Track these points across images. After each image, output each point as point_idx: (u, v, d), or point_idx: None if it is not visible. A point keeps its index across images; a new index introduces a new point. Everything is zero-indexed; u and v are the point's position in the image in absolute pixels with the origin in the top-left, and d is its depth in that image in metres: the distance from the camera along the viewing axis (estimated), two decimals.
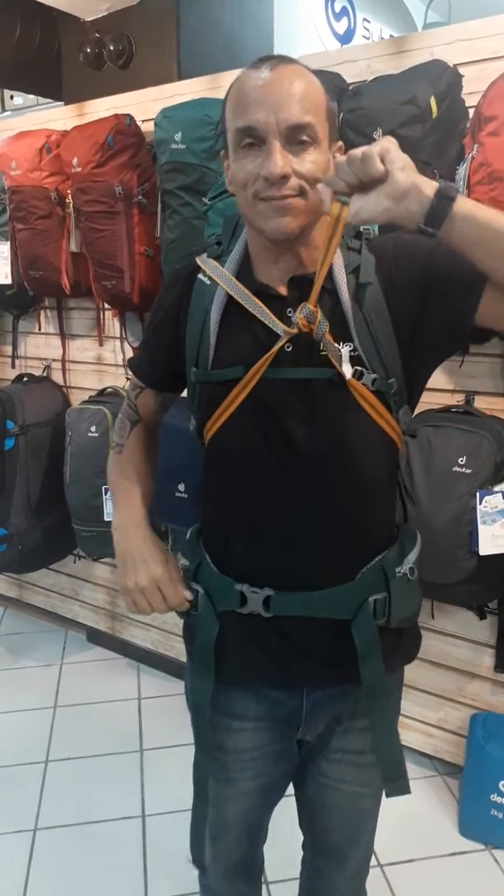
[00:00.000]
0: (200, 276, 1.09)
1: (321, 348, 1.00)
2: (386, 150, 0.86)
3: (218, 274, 1.05)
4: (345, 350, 0.97)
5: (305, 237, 1.00)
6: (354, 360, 0.99)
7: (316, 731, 1.15)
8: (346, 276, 1.01)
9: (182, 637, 1.21)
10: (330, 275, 1.01)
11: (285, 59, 0.97)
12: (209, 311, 1.06)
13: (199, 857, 1.25)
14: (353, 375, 0.98)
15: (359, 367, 0.99)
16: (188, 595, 1.12)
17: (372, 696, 1.06)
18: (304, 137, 0.93)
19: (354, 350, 0.98)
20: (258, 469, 1.04)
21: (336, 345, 0.98)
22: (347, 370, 0.95)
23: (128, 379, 1.29)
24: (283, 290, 1.03)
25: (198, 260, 1.09)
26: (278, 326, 1.00)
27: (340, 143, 1.03)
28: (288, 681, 1.10)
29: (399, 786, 1.10)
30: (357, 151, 0.86)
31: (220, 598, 1.09)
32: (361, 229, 1.08)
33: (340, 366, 0.97)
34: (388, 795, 1.12)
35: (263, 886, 1.83)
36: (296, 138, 0.93)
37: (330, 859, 1.26)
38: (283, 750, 1.16)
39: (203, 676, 1.11)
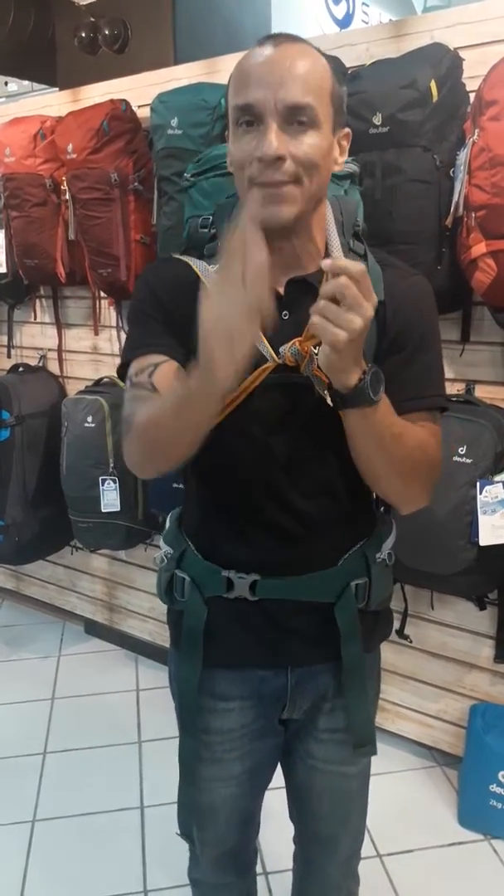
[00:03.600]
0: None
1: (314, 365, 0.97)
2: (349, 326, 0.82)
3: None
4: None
5: (301, 227, 0.97)
6: None
7: (302, 708, 1.16)
8: None
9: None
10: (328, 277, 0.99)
11: (292, 38, 0.94)
12: None
13: (187, 832, 1.24)
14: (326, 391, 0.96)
15: None
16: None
17: (352, 672, 1.11)
18: (303, 119, 0.90)
19: None
20: (243, 463, 1.05)
21: (324, 378, 0.94)
22: (335, 396, 0.92)
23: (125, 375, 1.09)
24: (279, 288, 1.00)
25: (193, 266, 1.03)
26: (267, 352, 0.97)
27: (348, 130, 0.99)
28: (273, 659, 1.12)
29: (368, 749, 1.17)
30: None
31: (206, 585, 1.10)
32: (358, 228, 1.06)
33: (326, 396, 0.94)
34: (355, 754, 1.17)
35: (262, 877, 1.86)
36: (294, 119, 0.90)
37: (321, 847, 1.27)
38: (267, 728, 1.18)
39: (190, 661, 1.12)
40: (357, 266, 0.82)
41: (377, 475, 1.03)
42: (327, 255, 1.03)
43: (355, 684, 1.12)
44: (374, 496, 1.17)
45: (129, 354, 1.07)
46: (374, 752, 1.18)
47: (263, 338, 0.97)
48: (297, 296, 1.00)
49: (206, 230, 1.08)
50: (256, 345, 0.94)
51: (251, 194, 0.93)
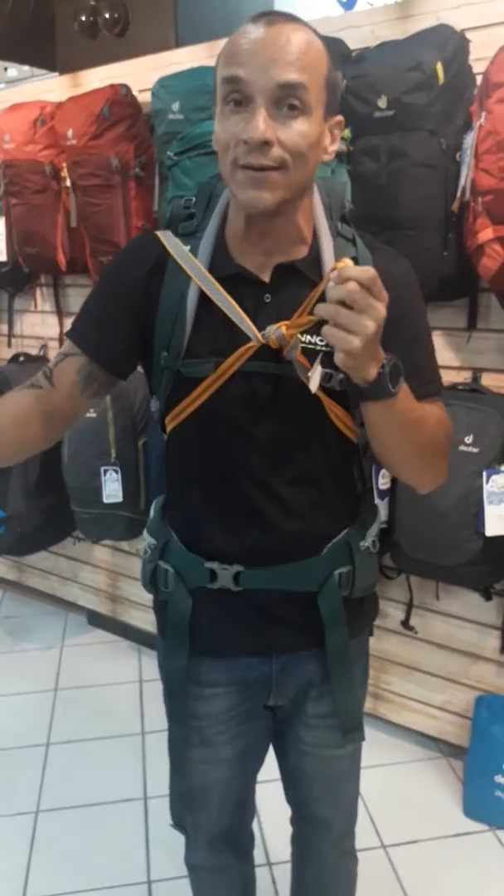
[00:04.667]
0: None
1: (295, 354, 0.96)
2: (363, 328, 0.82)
3: (187, 262, 0.99)
4: (318, 369, 0.92)
5: (285, 214, 0.95)
6: (326, 357, 0.94)
7: (287, 695, 1.16)
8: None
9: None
10: (318, 262, 0.98)
11: (288, 17, 0.89)
12: (185, 296, 1.00)
13: (179, 822, 1.25)
14: (322, 380, 0.94)
15: (328, 370, 0.95)
16: None
17: (336, 660, 1.11)
18: (295, 101, 0.86)
19: (328, 346, 0.91)
20: (224, 455, 1.04)
21: (307, 365, 0.93)
22: (314, 385, 0.90)
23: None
24: (262, 275, 0.99)
25: (163, 240, 1.01)
26: (250, 331, 0.96)
27: (340, 117, 0.96)
28: (258, 647, 1.13)
29: (354, 736, 1.18)
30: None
31: (189, 575, 1.10)
32: (346, 209, 1.05)
33: (308, 382, 0.92)
34: (343, 741, 1.18)
35: (266, 868, 1.85)
36: (285, 101, 0.86)
37: (315, 828, 1.28)
38: (254, 711, 1.18)
39: (177, 651, 1.13)
40: (367, 272, 0.81)
41: (400, 461, 1.04)
42: (315, 243, 1.01)
43: (340, 671, 1.12)
44: (358, 483, 1.15)
45: (79, 330, 1.08)
46: (362, 738, 1.19)
47: (248, 319, 0.96)
48: (282, 280, 0.99)
49: (188, 211, 1.05)
50: (240, 325, 0.95)
51: (236, 176, 0.90)
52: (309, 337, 0.97)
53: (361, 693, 1.23)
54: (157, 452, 2.29)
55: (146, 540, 1.18)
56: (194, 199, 1.06)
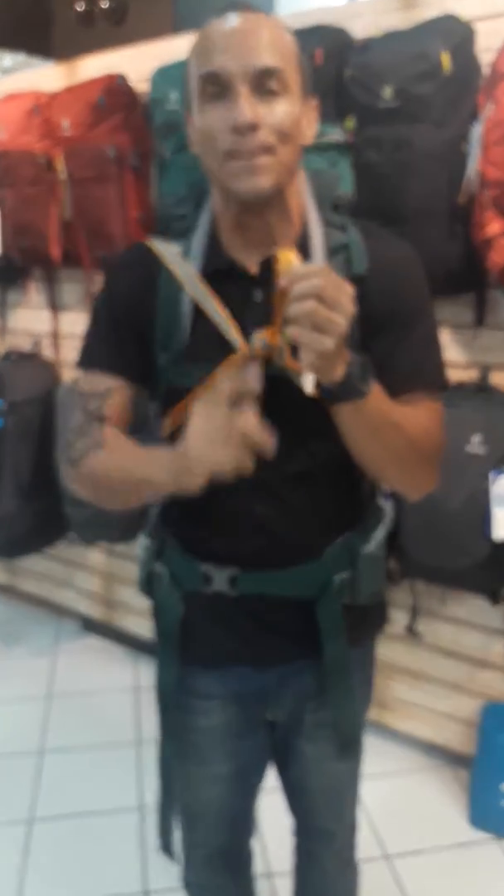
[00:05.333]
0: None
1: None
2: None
3: (178, 267, 0.96)
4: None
5: (278, 200, 0.94)
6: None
7: (286, 708, 1.14)
8: (326, 256, 0.97)
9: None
10: (307, 252, 0.96)
11: (253, 9, 0.92)
12: (180, 302, 0.98)
13: (167, 847, 1.23)
14: (315, 385, 0.89)
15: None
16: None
17: (334, 672, 1.08)
18: (274, 85, 0.87)
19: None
20: None
21: (298, 369, 0.88)
22: (309, 387, 0.86)
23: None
24: (252, 267, 0.98)
25: (156, 248, 0.99)
26: (237, 342, 0.92)
27: (315, 101, 0.97)
28: (254, 657, 1.10)
29: (350, 751, 1.16)
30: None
31: (184, 578, 1.08)
32: (340, 201, 1.03)
33: (301, 385, 0.88)
34: (339, 756, 1.16)
35: (267, 879, 1.82)
36: (265, 86, 0.87)
37: (318, 840, 1.28)
38: (252, 727, 1.16)
39: (167, 658, 1.11)
40: (313, 267, 0.80)
41: (378, 466, 1.00)
42: (304, 233, 0.98)
43: (339, 683, 1.09)
44: (363, 485, 1.12)
45: (83, 361, 1.07)
46: (358, 754, 1.18)
47: (234, 326, 0.93)
48: (271, 276, 0.94)
49: (179, 209, 1.05)
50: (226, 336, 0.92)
51: (228, 167, 0.89)
52: None
53: (362, 705, 1.20)
54: None
55: (142, 542, 1.16)
56: (185, 197, 1.05)
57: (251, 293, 0.97)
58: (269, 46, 0.87)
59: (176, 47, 2.20)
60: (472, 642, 2.08)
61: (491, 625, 2.03)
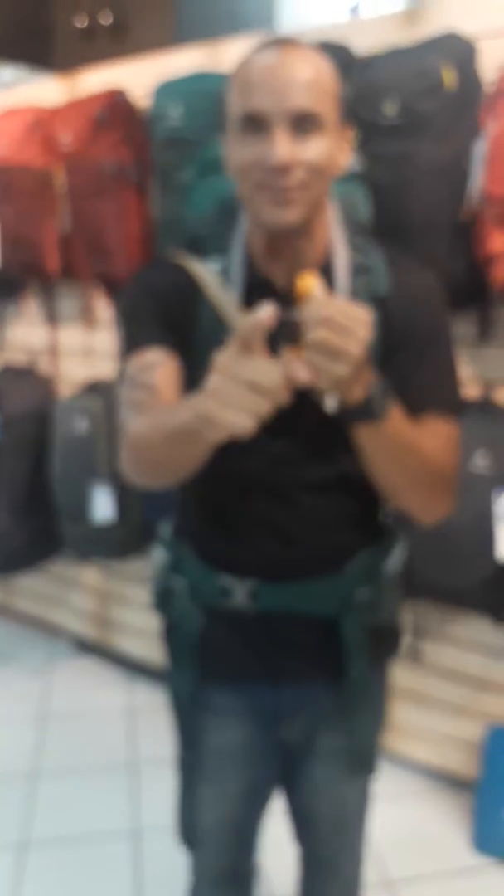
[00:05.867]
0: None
1: None
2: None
3: (221, 300, 0.97)
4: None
5: (306, 230, 0.97)
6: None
7: (300, 728, 1.14)
8: (349, 277, 0.99)
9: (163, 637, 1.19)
10: (330, 274, 0.99)
11: (294, 43, 0.94)
12: (222, 327, 0.98)
13: (186, 835, 1.23)
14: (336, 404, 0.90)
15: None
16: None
17: (355, 690, 1.08)
18: (309, 126, 0.90)
19: None
20: (242, 464, 1.01)
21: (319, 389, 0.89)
22: (332, 406, 0.87)
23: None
24: (281, 284, 1.00)
25: (195, 269, 1.01)
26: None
27: (350, 129, 0.99)
28: (271, 675, 1.10)
29: (365, 770, 1.17)
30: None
31: (202, 592, 1.08)
32: (363, 225, 1.06)
33: (323, 403, 0.89)
34: (351, 773, 1.17)
35: None
36: (301, 125, 0.90)
37: (322, 869, 1.26)
38: (265, 746, 1.16)
39: (185, 673, 1.11)
40: (324, 297, 0.81)
41: (394, 488, 1.00)
42: (329, 254, 1.00)
43: (359, 704, 1.10)
44: (382, 505, 1.12)
45: (125, 349, 1.05)
46: (373, 772, 1.17)
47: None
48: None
49: (206, 228, 1.08)
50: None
51: (259, 197, 0.92)
52: None
53: (378, 729, 1.19)
54: None
55: (157, 555, 1.15)
56: (215, 216, 1.08)
57: (283, 311, 0.97)
58: (308, 87, 0.89)
59: (177, 61, 2.22)
60: (474, 663, 2.06)
61: (494, 645, 2.01)
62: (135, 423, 0.97)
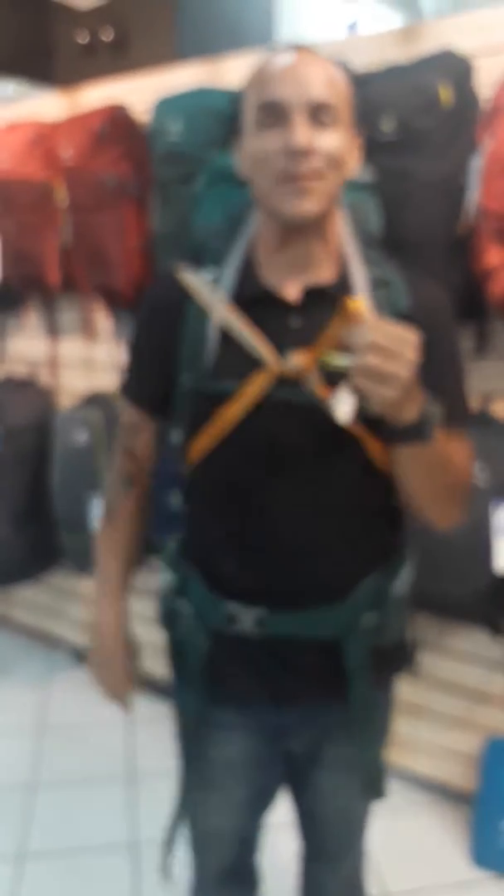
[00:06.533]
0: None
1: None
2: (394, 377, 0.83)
3: (204, 294, 1.01)
4: (346, 399, 0.88)
5: (320, 226, 0.99)
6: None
7: (305, 742, 1.16)
8: (370, 290, 1.00)
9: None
10: (349, 286, 1.00)
11: (310, 48, 0.98)
12: (207, 324, 1.01)
13: (166, 867, 1.25)
14: (352, 416, 0.90)
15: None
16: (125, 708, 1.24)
17: (358, 711, 1.08)
18: (327, 118, 0.93)
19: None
20: (248, 487, 1.02)
21: (328, 398, 0.90)
22: (343, 417, 0.87)
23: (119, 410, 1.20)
24: (289, 294, 1.00)
25: (184, 276, 1.04)
26: (266, 355, 0.96)
27: (360, 139, 1.03)
28: (276, 697, 1.10)
29: (374, 793, 1.16)
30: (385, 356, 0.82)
31: (208, 616, 1.08)
32: (373, 237, 1.09)
33: (331, 413, 0.90)
34: (364, 796, 1.18)
35: None
36: (319, 118, 0.93)
37: (323, 864, 1.29)
38: (269, 758, 1.18)
39: (191, 695, 1.12)
40: (372, 321, 0.83)
41: (424, 500, 1.02)
42: (344, 266, 1.01)
43: (363, 726, 1.10)
44: (396, 521, 1.12)
45: (126, 385, 1.16)
46: (382, 795, 1.16)
47: (262, 344, 0.96)
48: (311, 304, 0.99)
49: (212, 237, 1.11)
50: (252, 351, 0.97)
51: (278, 190, 0.94)
52: (343, 361, 0.94)
53: (381, 746, 1.19)
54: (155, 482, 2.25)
55: (163, 575, 1.16)
56: (221, 227, 1.10)
57: (287, 320, 0.99)
58: (325, 82, 0.93)
59: (177, 77, 2.23)
60: (472, 676, 2.06)
61: (492, 658, 2.01)
62: (105, 523, 1.19)
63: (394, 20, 4.27)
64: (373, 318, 0.84)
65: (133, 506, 1.18)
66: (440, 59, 1.73)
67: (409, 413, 0.86)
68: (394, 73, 1.76)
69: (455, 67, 1.71)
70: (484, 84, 1.71)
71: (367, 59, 1.90)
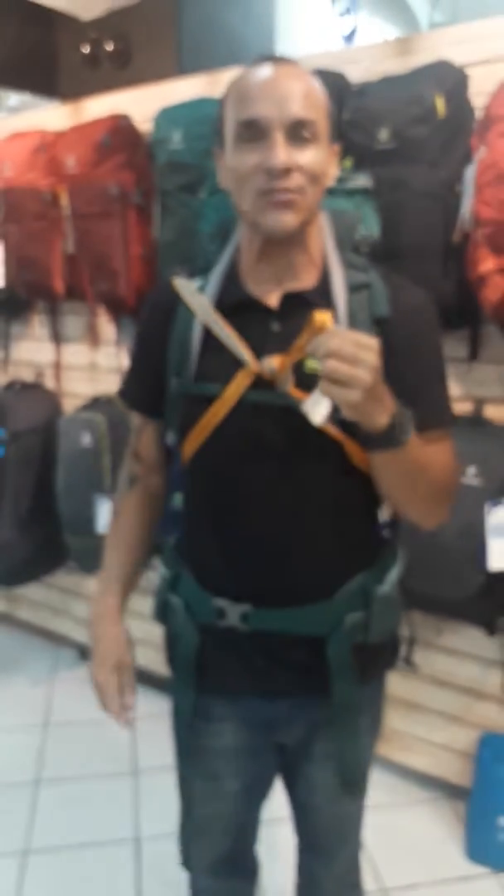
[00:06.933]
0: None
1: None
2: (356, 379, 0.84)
3: (191, 298, 1.04)
4: (321, 402, 0.90)
5: (300, 237, 1.01)
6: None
7: (295, 735, 1.17)
8: (347, 296, 1.01)
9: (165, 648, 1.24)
10: (328, 293, 1.02)
11: (287, 59, 0.98)
12: (192, 328, 1.04)
13: (186, 858, 1.29)
14: (327, 419, 0.92)
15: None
16: (126, 714, 1.20)
17: (341, 709, 1.10)
18: (306, 133, 0.94)
19: None
20: (235, 488, 1.05)
21: (302, 399, 0.93)
22: (317, 419, 0.89)
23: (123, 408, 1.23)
24: (271, 300, 1.03)
25: (175, 283, 1.07)
26: (244, 357, 1.00)
27: (338, 146, 1.04)
28: (264, 690, 1.12)
29: (354, 790, 1.19)
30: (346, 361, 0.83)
31: (198, 611, 1.11)
32: (359, 242, 1.09)
33: (308, 415, 0.91)
34: (342, 792, 1.19)
35: None
36: (298, 134, 0.94)
37: (318, 858, 1.29)
38: (263, 749, 1.19)
39: (184, 687, 1.15)
40: (333, 329, 0.85)
41: (404, 502, 1.05)
42: (325, 272, 1.04)
43: (345, 721, 1.11)
44: (378, 522, 1.14)
45: (123, 390, 1.21)
46: (363, 793, 1.21)
47: (242, 346, 1.00)
48: (291, 309, 1.02)
49: (205, 245, 1.13)
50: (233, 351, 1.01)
51: (259, 204, 0.95)
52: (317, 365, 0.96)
53: (370, 740, 1.21)
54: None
55: (159, 571, 1.19)
56: (214, 234, 1.13)
57: (269, 324, 1.02)
58: (304, 98, 0.94)
59: (179, 89, 2.26)
60: (468, 673, 2.07)
61: (487, 656, 2.03)
62: (112, 522, 1.23)
63: (390, 31, 4.31)
64: (336, 328, 0.86)
65: (136, 503, 1.20)
66: (435, 69, 1.76)
67: (380, 420, 0.88)
68: (390, 84, 1.79)
69: (450, 78, 1.74)
70: (478, 94, 1.74)
71: (364, 70, 1.93)
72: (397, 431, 0.90)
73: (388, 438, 0.90)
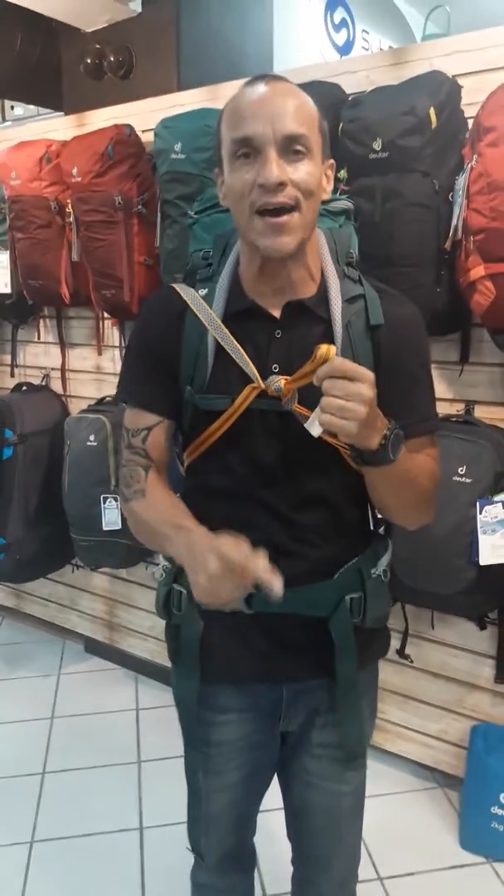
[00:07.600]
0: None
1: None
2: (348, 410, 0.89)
3: (201, 311, 1.08)
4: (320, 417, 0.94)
5: (299, 254, 1.03)
6: None
7: (297, 721, 1.19)
8: (343, 305, 1.06)
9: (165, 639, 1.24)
10: (326, 302, 1.06)
11: (279, 78, 1.01)
12: (204, 340, 1.08)
13: (196, 846, 1.29)
14: (324, 431, 0.97)
15: None
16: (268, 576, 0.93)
17: (344, 689, 1.13)
18: (299, 148, 0.96)
19: None
20: (238, 480, 1.09)
21: (305, 414, 1.00)
22: (316, 432, 0.95)
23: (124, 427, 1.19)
24: (274, 310, 1.07)
25: (178, 290, 1.10)
26: (253, 375, 1.04)
27: (332, 161, 1.06)
28: (269, 674, 1.15)
29: (356, 763, 1.20)
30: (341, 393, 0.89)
31: None
32: (352, 259, 1.13)
33: (307, 428, 0.97)
34: (345, 767, 1.20)
35: None
36: (290, 148, 0.96)
37: (315, 866, 1.28)
38: (265, 740, 1.21)
39: (189, 675, 1.15)
40: (342, 365, 0.89)
41: (391, 508, 1.11)
42: (323, 282, 1.08)
43: (348, 701, 1.14)
44: (370, 512, 1.21)
45: (122, 395, 1.17)
46: (363, 766, 1.22)
47: (251, 365, 1.04)
48: (292, 317, 1.07)
49: (206, 261, 1.14)
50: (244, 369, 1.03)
51: (254, 224, 0.98)
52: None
53: (368, 725, 1.25)
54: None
55: (161, 563, 1.20)
56: (212, 251, 1.15)
57: (273, 330, 1.07)
58: (296, 114, 0.96)
59: (180, 101, 2.32)
60: (461, 665, 2.11)
61: (479, 649, 2.07)
62: (137, 505, 1.10)
63: (385, 43, 4.35)
64: (338, 361, 0.90)
65: (160, 480, 1.12)
66: (428, 80, 1.79)
67: (372, 441, 0.93)
68: (384, 94, 1.82)
69: (442, 88, 1.76)
70: (470, 104, 1.77)
71: (359, 81, 1.98)
72: (389, 450, 0.95)
73: (380, 457, 0.95)
